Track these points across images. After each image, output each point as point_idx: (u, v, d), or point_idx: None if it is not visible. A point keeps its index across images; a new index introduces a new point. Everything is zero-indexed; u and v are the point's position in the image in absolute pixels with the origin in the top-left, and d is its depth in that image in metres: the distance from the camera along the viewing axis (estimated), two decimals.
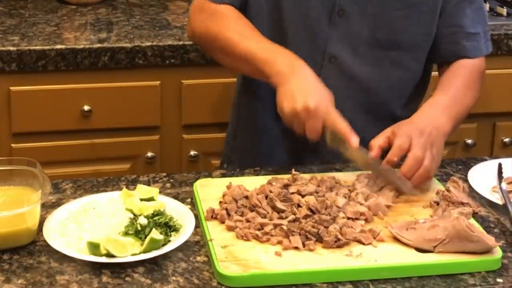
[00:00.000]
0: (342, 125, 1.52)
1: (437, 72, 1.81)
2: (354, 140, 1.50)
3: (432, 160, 1.53)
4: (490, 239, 1.34)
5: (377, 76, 1.74)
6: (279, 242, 1.35)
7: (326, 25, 1.69)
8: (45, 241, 1.34)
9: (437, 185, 1.56)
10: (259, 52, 1.62)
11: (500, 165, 1.60)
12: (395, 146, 1.52)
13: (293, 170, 1.52)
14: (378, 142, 1.55)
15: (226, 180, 1.54)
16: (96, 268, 1.30)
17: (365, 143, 1.56)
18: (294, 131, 1.55)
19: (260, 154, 1.82)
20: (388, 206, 1.46)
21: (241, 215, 1.41)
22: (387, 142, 1.55)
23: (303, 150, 1.75)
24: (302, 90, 1.52)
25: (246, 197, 1.45)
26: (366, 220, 1.42)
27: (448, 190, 1.49)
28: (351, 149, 1.51)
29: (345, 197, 1.46)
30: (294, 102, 1.51)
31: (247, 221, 1.40)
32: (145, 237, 1.33)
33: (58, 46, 2.30)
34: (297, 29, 1.71)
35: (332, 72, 1.72)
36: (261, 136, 1.83)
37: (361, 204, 1.44)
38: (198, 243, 1.38)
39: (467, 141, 2.61)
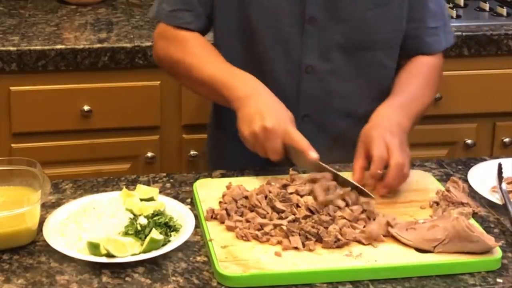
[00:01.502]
0: (300, 142, 1.51)
1: None
2: (312, 154, 1.50)
3: (409, 159, 1.53)
4: (490, 239, 1.34)
5: (356, 79, 1.73)
6: (279, 242, 1.35)
7: (299, 35, 1.68)
8: (45, 241, 1.34)
9: (437, 185, 1.56)
10: (220, 77, 1.62)
11: (500, 165, 1.60)
12: (376, 157, 1.51)
13: (291, 170, 1.52)
14: (358, 164, 1.55)
15: (226, 180, 1.54)
16: (96, 268, 1.30)
17: (352, 146, 1.58)
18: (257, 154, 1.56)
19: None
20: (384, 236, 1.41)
21: (241, 215, 1.41)
22: (366, 158, 1.54)
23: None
24: (259, 112, 1.53)
25: (246, 197, 1.45)
26: (365, 226, 1.41)
27: (448, 190, 1.49)
28: (312, 164, 1.51)
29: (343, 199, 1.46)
30: (252, 125, 1.52)
31: (247, 221, 1.40)
32: (145, 237, 1.33)
33: (58, 46, 2.30)
34: (270, 43, 1.69)
35: (311, 82, 1.71)
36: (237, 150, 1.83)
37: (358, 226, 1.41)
38: (198, 243, 1.38)
39: (467, 141, 2.61)
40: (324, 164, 1.51)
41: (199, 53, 1.69)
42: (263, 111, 1.53)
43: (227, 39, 1.73)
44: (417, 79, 1.73)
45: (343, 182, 1.49)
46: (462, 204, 1.46)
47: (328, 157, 1.62)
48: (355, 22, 1.68)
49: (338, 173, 1.50)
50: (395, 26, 1.72)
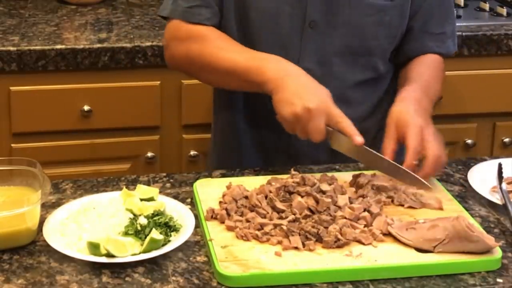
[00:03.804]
0: (346, 125, 1.50)
1: None
2: (358, 139, 1.48)
3: (443, 148, 1.54)
4: (490, 239, 1.34)
5: (351, 83, 1.73)
6: (279, 242, 1.35)
7: (298, 38, 1.67)
8: (45, 241, 1.34)
9: (436, 185, 1.56)
10: (246, 62, 1.60)
11: (500, 165, 1.60)
12: (412, 149, 1.51)
13: (292, 170, 1.52)
14: (390, 148, 1.54)
15: (226, 180, 1.54)
16: (96, 268, 1.30)
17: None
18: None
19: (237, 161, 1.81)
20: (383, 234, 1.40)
21: (241, 215, 1.42)
22: (397, 141, 1.55)
23: (277, 156, 1.77)
24: (299, 92, 1.51)
25: (246, 197, 1.45)
26: (366, 225, 1.41)
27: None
28: (355, 148, 1.50)
29: (343, 193, 1.46)
30: (294, 106, 1.49)
31: (247, 221, 1.40)
32: (145, 237, 1.33)
33: (58, 46, 2.30)
34: (269, 45, 1.68)
35: None
36: (238, 146, 1.83)
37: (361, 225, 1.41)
38: (198, 243, 1.38)
39: (467, 141, 2.61)
40: (369, 149, 1.50)
41: (220, 44, 1.66)
42: (302, 91, 1.51)
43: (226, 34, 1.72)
44: (429, 70, 1.74)
45: (393, 171, 1.50)
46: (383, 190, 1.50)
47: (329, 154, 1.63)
48: (354, 28, 1.68)
49: (389, 160, 1.51)
50: (392, 33, 1.72)
